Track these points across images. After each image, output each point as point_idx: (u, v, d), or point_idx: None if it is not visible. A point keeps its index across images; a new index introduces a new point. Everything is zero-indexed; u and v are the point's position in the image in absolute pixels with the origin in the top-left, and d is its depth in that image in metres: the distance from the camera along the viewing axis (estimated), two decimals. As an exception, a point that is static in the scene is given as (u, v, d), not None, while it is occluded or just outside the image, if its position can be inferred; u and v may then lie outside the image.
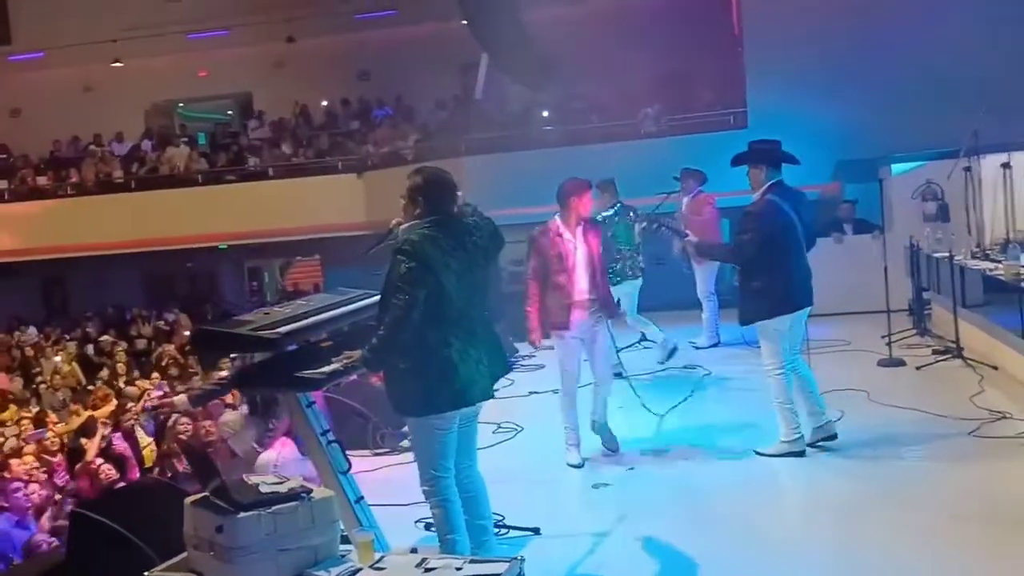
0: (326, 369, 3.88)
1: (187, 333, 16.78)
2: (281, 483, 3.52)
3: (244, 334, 3.86)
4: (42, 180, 18.62)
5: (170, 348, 14.98)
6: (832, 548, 4.52)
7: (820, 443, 5.83)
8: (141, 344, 16.64)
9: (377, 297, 4.57)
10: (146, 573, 3.51)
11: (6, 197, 18.35)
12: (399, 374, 3.95)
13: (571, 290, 5.80)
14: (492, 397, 4.17)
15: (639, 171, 12.92)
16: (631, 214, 8.68)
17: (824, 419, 5.87)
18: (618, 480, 5.67)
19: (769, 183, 5.74)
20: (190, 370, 12.99)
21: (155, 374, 12.74)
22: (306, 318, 4.09)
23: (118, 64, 18.91)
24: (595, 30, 15.28)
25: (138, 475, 7.64)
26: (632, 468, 5.81)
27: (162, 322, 17.73)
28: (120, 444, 8.24)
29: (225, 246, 18.90)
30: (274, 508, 3.31)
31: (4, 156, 19.83)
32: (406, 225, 4.03)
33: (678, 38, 15.33)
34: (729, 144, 9.68)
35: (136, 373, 13.84)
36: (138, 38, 17.98)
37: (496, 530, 4.64)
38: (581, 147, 14.32)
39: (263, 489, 3.43)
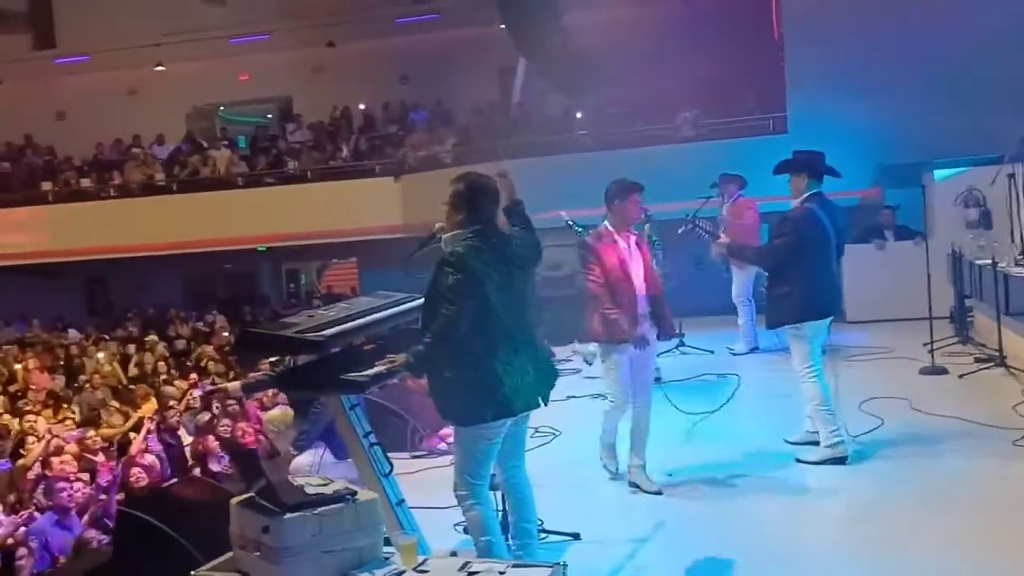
0: (370, 372, 3.91)
1: (225, 334, 16.99)
2: (326, 484, 3.56)
3: (290, 336, 3.90)
4: (86, 182, 18.93)
5: (209, 349, 15.17)
6: (874, 557, 4.47)
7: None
8: (180, 344, 16.85)
9: (418, 301, 4.61)
10: (192, 573, 3.55)
11: (51, 199, 18.67)
12: (445, 384, 3.95)
13: (634, 300, 5.40)
14: (539, 406, 4.12)
15: (677, 175, 12.88)
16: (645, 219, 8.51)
17: (836, 438, 5.78)
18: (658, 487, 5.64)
19: (809, 192, 5.87)
20: (228, 370, 13.19)
21: (193, 375, 12.89)
22: (350, 321, 4.13)
23: (161, 68, 19.19)
24: (634, 34, 15.23)
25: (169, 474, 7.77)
26: (670, 474, 5.79)
27: (201, 323, 17.95)
28: (155, 446, 8.38)
29: (264, 248, 19.11)
30: (320, 509, 3.34)
31: (49, 158, 20.19)
32: (450, 234, 4.02)
33: (717, 42, 15.26)
34: (768, 149, 9.67)
35: (175, 373, 14.03)
36: (180, 42, 18.24)
37: (544, 535, 4.66)
38: (619, 151, 14.32)
39: (308, 490, 3.47)
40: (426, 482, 6.09)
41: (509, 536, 4.28)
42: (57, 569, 5.57)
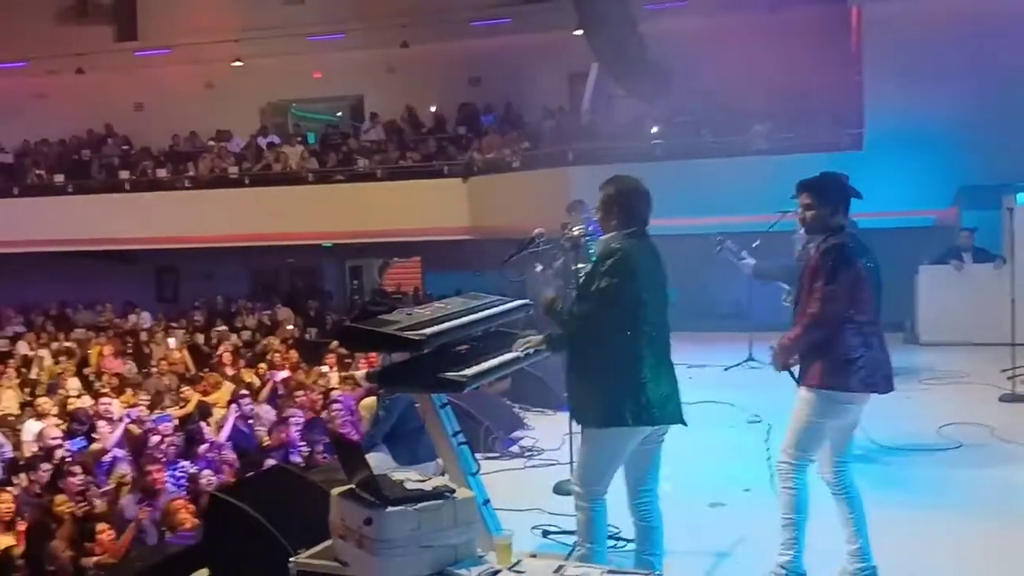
0: (469, 371, 3.96)
1: (290, 327, 17.26)
2: (424, 481, 3.62)
3: (391, 334, 3.97)
4: (161, 172, 19.35)
5: (274, 341, 15.42)
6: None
7: None
8: (245, 335, 17.14)
9: (512, 303, 4.67)
10: (292, 559, 3.64)
11: (127, 187, 19.12)
12: (586, 382, 3.92)
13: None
14: (680, 422, 4.01)
15: (747, 189, 12.81)
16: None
17: None
18: (733, 500, 5.63)
19: None
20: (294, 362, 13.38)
21: (262, 365, 13.10)
22: (448, 320, 4.19)
23: (238, 63, 19.56)
24: (710, 43, 15.16)
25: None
26: (748, 489, 5.76)
27: (266, 315, 18.25)
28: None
29: (329, 244, 19.36)
30: (420, 505, 3.40)
31: (126, 148, 20.68)
32: (607, 236, 4.02)
33: (794, 54, 15.11)
34: (844, 165, 9.55)
35: (241, 363, 14.28)
36: (258, 39, 18.59)
37: (613, 543, 4.66)
38: (689, 161, 14.25)
39: (408, 486, 3.53)
40: (501, 484, 6.13)
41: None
42: (145, 549, 5.72)
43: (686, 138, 14.81)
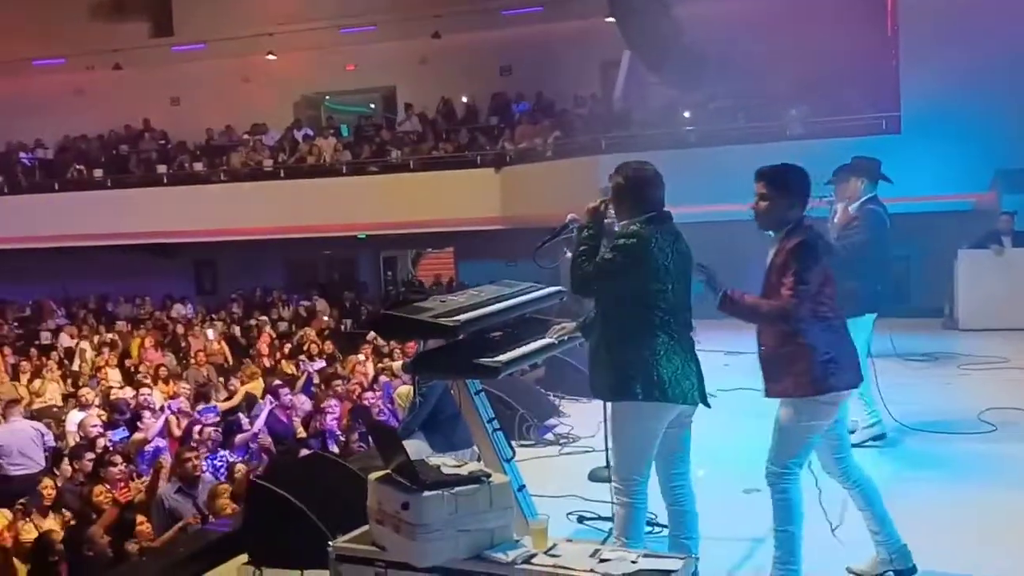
0: (502, 357, 3.99)
1: (326, 318, 17.43)
2: (460, 465, 3.65)
3: (426, 320, 4.00)
4: (198, 166, 19.59)
5: (311, 332, 15.58)
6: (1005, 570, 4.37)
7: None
8: (282, 326, 17.33)
9: (545, 290, 4.69)
10: (331, 543, 3.68)
11: (165, 181, 19.38)
12: (602, 360, 3.94)
13: None
14: (697, 404, 4.02)
15: (783, 174, 12.70)
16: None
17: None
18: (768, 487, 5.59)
19: (868, 195, 6.27)
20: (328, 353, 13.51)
21: (301, 356, 13.24)
22: (483, 307, 4.21)
23: (272, 57, 19.73)
24: (744, 28, 15.03)
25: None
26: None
27: (303, 306, 18.44)
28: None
29: (364, 235, 19.50)
30: (456, 489, 3.43)
31: (163, 142, 20.95)
32: (623, 222, 4.00)
33: (828, 38, 14.93)
34: (881, 149, 9.43)
35: (278, 355, 14.44)
36: (292, 32, 18.73)
37: (650, 528, 4.66)
38: (722, 147, 14.15)
39: (444, 470, 3.57)
40: (535, 471, 6.15)
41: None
42: (188, 535, 5.82)
43: (720, 124, 14.71)
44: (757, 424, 6.36)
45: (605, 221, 4.06)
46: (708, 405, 4.08)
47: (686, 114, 15.57)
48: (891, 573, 4.18)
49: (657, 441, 3.95)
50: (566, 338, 4.26)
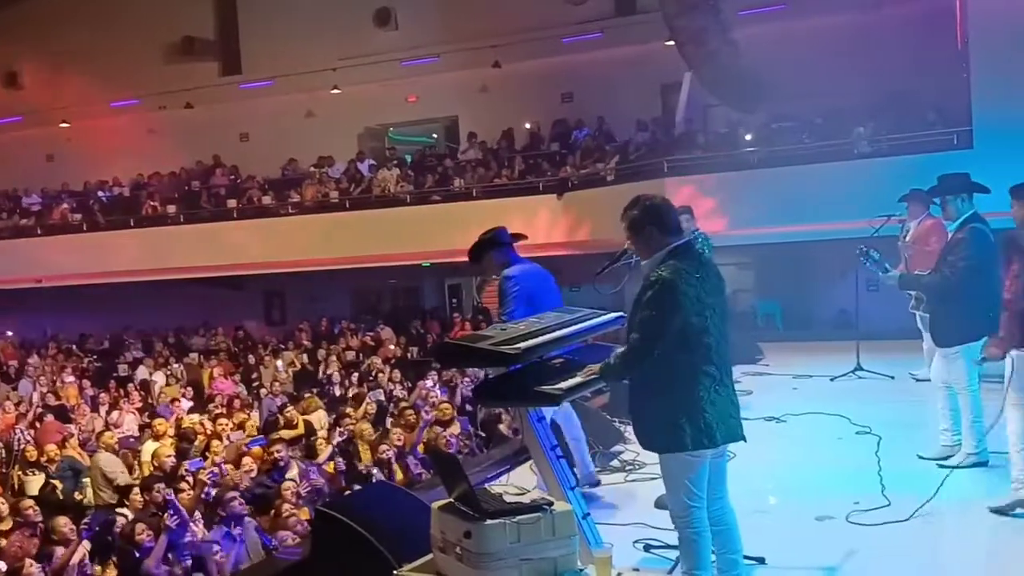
0: (563, 385, 3.96)
1: (392, 346, 17.56)
2: (523, 494, 3.63)
3: (485, 348, 4.00)
4: (267, 200, 20.00)
5: (377, 360, 15.71)
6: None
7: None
8: (350, 356, 17.52)
9: (605, 316, 4.65)
10: (395, 572, 3.69)
11: (235, 215, 19.84)
12: (646, 407, 3.95)
13: None
14: (742, 439, 4.07)
15: (850, 193, 12.47)
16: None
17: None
18: (841, 514, 5.45)
19: (968, 213, 6.05)
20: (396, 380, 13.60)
21: (367, 383, 13.36)
22: (542, 335, 4.19)
23: (336, 91, 20.12)
24: (806, 47, 14.87)
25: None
26: (857, 503, 5.57)
27: (369, 336, 18.62)
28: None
29: (428, 264, 19.65)
30: (519, 518, 3.41)
31: (233, 177, 21.47)
32: (649, 259, 4.00)
33: (895, 53, 14.68)
34: (952, 165, 9.16)
35: (347, 383, 14.61)
36: (355, 66, 19.09)
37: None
38: (789, 168, 13.97)
39: (507, 499, 3.55)
40: (602, 498, 6.10)
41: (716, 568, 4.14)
42: (251, 568, 5.88)
43: (785, 144, 14.52)
44: (829, 449, 6.25)
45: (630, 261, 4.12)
46: (745, 440, 4.13)
47: (747, 135, 15.41)
48: None
49: (706, 475, 3.97)
50: (590, 379, 4.14)
